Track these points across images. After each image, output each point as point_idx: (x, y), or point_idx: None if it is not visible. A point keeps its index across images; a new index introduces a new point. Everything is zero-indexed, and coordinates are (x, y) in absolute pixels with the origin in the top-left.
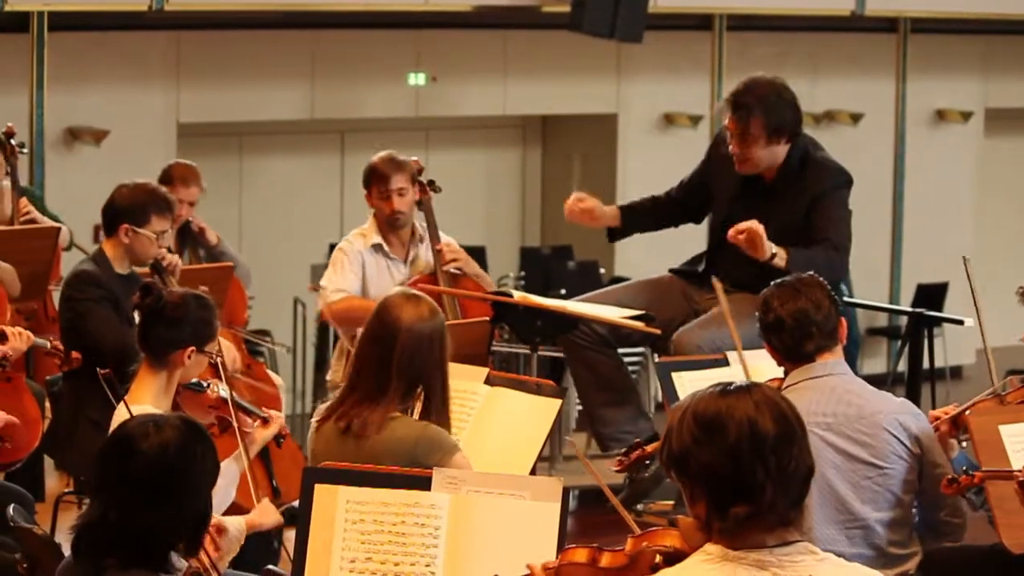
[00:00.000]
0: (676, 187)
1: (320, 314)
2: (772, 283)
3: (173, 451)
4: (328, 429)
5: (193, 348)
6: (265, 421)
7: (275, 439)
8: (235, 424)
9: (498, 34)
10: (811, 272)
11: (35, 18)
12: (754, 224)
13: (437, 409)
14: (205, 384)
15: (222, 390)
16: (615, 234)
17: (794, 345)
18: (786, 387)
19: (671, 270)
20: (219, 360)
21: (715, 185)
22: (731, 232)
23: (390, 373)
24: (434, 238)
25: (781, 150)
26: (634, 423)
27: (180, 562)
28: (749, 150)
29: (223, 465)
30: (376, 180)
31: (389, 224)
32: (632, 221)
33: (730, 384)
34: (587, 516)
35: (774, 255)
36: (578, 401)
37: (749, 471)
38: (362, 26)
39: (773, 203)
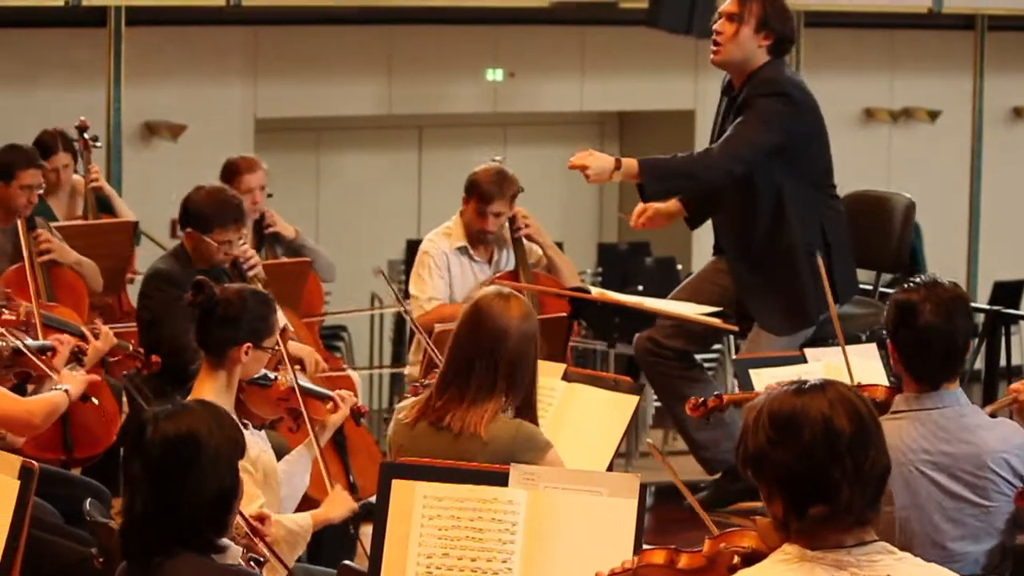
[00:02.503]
0: None
1: (414, 323)
2: (923, 284)
3: (180, 432)
4: (422, 427)
5: (249, 344)
6: (336, 404)
7: (353, 418)
8: (305, 413)
9: (576, 30)
10: (951, 282)
11: (112, 13)
12: (575, 158)
13: (530, 408)
14: (272, 377)
15: (289, 379)
16: (692, 221)
17: (930, 370)
18: (895, 411)
19: (716, 251)
20: (283, 351)
21: (717, 123)
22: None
23: (497, 374)
24: (520, 259)
25: (759, 52)
26: (733, 440)
27: (231, 544)
28: (735, 30)
29: (293, 454)
30: (477, 197)
31: (476, 237)
32: (695, 205)
33: (804, 382)
34: (664, 512)
35: (618, 168)
36: (655, 398)
37: (825, 471)
38: (440, 22)
39: (732, 117)
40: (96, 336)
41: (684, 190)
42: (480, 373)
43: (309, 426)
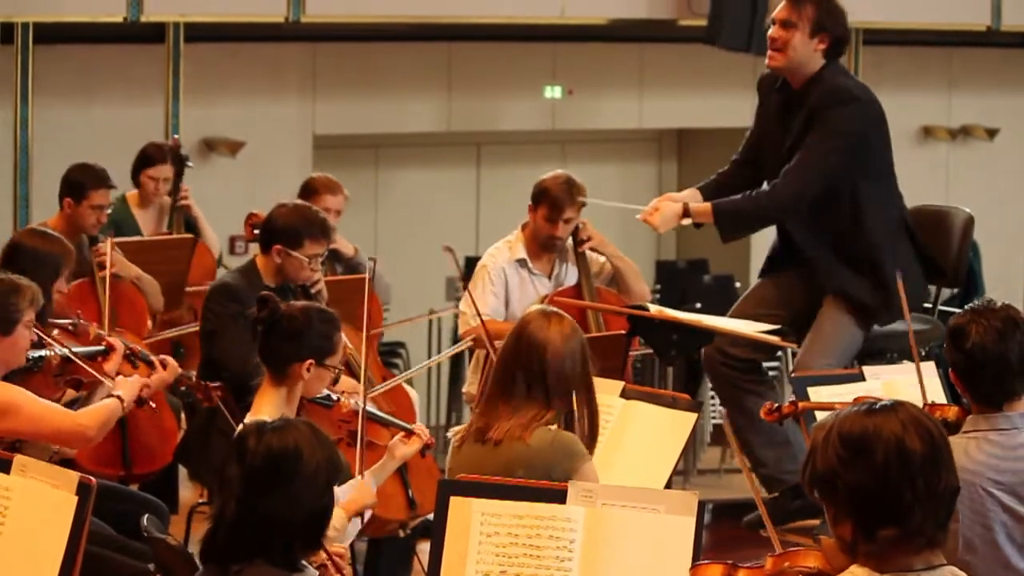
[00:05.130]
0: (739, 151)
1: (460, 336)
2: (972, 308)
3: (285, 446)
4: (467, 446)
5: (312, 361)
6: (409, 434)
7: (419, 451)
8: (360, 438)
9: (634, 47)
10: (1004, 303)
11: (171, 29)
12: (643, 215)
13: (583, 424)
14: (335, 397)
15: (355, 402)
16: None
17: (985, 391)
18: (965, 431)
19: (761, 274)
20: (360, 371)
21: (766, 121)
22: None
23: (540, 388)
24: (583, 274)
25: (816, 56)
26: (795, 461)
27: (309, 567)
28: (790, 35)
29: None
30: (548, 204)
31: (544, 245)
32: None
33: (875, 402)
34: (721, 530)
35: (687, 214)
36: (713, 415)
37: (897, 493)
38: (498, 39)
39: (792, 117)
40: (164, 366)
41: (762, 227)
42: (521, 387)
43: (359, 451)
